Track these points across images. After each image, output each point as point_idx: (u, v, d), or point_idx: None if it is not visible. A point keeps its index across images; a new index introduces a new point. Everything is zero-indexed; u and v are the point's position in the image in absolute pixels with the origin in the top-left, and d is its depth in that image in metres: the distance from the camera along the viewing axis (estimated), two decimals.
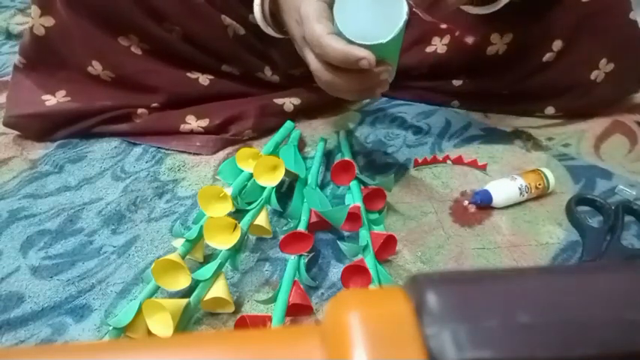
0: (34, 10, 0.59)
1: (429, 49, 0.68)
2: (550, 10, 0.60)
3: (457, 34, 0.66)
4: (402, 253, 0.49)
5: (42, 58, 0.63)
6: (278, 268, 0.47)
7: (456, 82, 0.69)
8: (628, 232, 0.51)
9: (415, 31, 0.69)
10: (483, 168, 0.59)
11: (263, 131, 0.65)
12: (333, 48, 0.39)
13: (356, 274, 0.44)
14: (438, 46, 0.68)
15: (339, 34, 0.39)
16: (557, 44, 0.62)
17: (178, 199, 0.55)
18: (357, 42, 0.38)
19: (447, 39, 0.67)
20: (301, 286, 0.42)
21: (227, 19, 0.61)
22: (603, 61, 0.63)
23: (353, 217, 0.48)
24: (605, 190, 0.57)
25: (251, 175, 0.51)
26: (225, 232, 0.45)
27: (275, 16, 0.52)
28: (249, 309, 0.43)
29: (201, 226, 0.45)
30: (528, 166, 0.59)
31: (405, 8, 0.38)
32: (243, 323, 0.40)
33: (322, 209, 0.49)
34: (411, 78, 0.70)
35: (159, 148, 0.63)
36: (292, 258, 0.45)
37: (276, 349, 0.14)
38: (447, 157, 0.60)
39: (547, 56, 0.63)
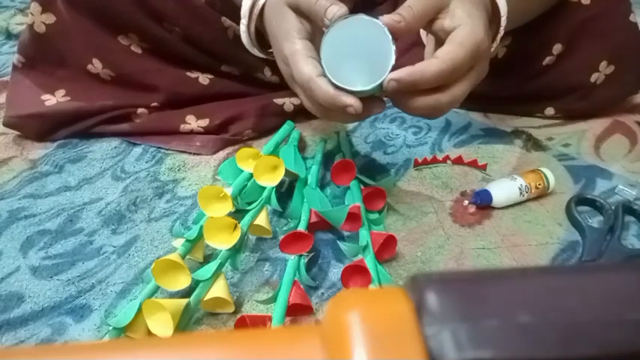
0: (35, 7, 0.59)
1: None
2: (550, 14, 0.59)
3: None
4: (402, 253, 0.48)
5: (41, 56, 0.63)
6: (278, 268, 0.47)
7: None
8: (628, 232, 0.51)
9: (416, 33, 0.68)
10: (483, 168, 0.59)
11: (263, 131, 0.65)
12: (322, 92, 0.39)
13: (356, 274, 0.44)
14: None
15: (326, 75, 0.39)
16: (557, 48, 0.62)
17: (178, 199, 0.55)
18: (344, 87, 0.38)
19: None
20: (301, 286, 0.42)
21: (227, 21, 0.61)
22: (603, 63, 0.62)
23: (353, 217, 0.48)
24: (605, 190, 0.57)
25: (251, 175, 0.51)
26: (225, 232, 0.45)
27: (263, 35, 0.52)
28: (249, 309, 0.43)
29: (201, 226, 0.45)
30: (528, 166, 0.59)
31: (393, 55, 0.37)
32: (243, 323, 0.40)
33: (322, 209, 0.49)
34: None
35: (159, 148, 0.63)
36: (292, 258, 0.45)
37: (276, 349, 0.14)
38: (447, 157, 0.60)
39: (547, 60, 0.63)
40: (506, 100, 0.69)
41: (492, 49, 0.48)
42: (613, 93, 0.66)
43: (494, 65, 0.64)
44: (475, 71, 0.41)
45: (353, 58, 0.38)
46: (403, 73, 0.38)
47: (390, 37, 0.37)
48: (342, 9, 0.39)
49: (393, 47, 0.37)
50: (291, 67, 0.41)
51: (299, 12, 0.42)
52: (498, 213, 0.53)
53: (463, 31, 0.39)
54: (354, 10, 0.67)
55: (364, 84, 0.38)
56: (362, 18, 0.38)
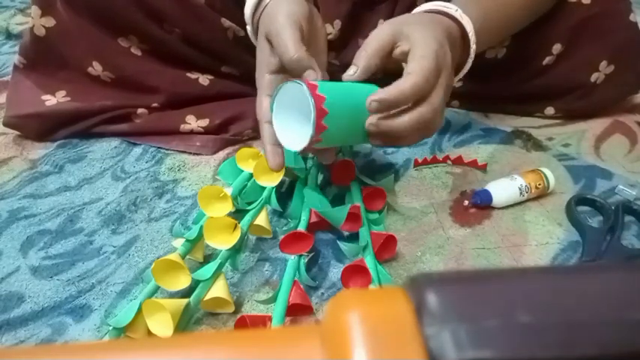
0: (35, 10, 0.59)
1: None
2: (550, 14, 0.59)
3: None
4: (402, 253, 0.48)
5: (42, 58, 0.63)
6: (278, 268, 0.47)
7: (456, 84, 0.69)
8: (628, 232, 0.51)
9: None
10: (483, 168, 0.59)
11: None
12: (263, 136, 0.44)
13: (356, 274, 0.44)
14: None
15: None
16: (556, 47, 0.62)
17: (178, 199, 0.55)
18: (283, 145, 0.42)
19: None
20: (301, 286, 0.42)
21: (227, 22, 0.61)
22: (603, 63, 0.62)
23: (353, 217, 0.48)
24: (605, 190, 0.57)
25: (251, 175, 0.51)
26: (225, 232, 0.45)
27: None
28: (249, 309, 0.43)
29: (201, 226, 0.45)
30: (528, 166, 0.59)
31: (312, 119, 0.38)
32: (243, 323, 0.40)
33: (322, 209, 0.49)
34: None
35: (159, 148, 0.63)
36: (292, 258, 0.45)
37: (276, 349, 0.14)
38: (447, 157, 0.60)
39: (547, 59, 0.63)
40: (507, 100, 0.69)
41: (467, 67, 0.50)
42: (613, 93, 0.66)
43: (495, 65, 0.65)
44: (443, 78, 0.42)
45: (295, 118, 0.41)
46: (382, 93, 0.39)
47: (311, 103, 0.38)
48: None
49: (313, 115, 0.38)
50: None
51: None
52: (498, 213, 0.53)
53: (419, 46, 0.41)
54: (352, 10, 0.67)
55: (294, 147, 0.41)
56: (293, 84, 0.40)
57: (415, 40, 0.41)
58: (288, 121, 0.42)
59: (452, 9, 0.46)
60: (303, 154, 0.45)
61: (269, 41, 0.43)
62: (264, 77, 0.44)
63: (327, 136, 0.39)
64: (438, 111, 0.42)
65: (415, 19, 0.45)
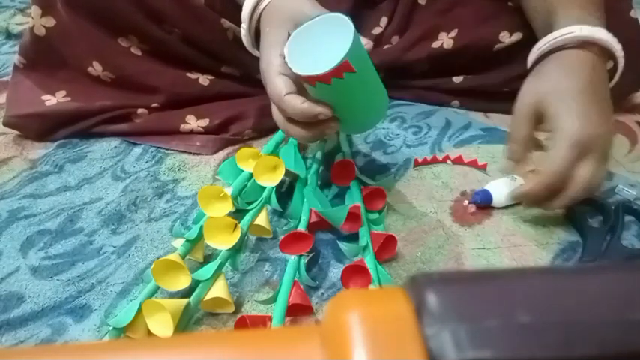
0: (35, 10, 0.59)
1: (435, 45, 0.68)
2: None
3: (458, 31, 0.66)
4: (402, 253, 0.48)
5: (42, 58, 0.63)
6: (278, 268, 0.47)
7: (457, 79, 0.69)
8: (628, 232, 0.51)
9: (420, 28, 0.68)
10: (483, 168, 0.59)
11: (263, 131, 0.65)
12: (292, 106, 0.40)
13: (356, 274, 0.44)
14: (445, 40, 0.67)
15: (289, 70, 0.39)
16: None
17: (178, 199, 0.55)
18: (301, 73, 0.38)
19: (454, 33, 0.66)
20: (301, 286, 0.42)
21: (227, 22, 0.61)
22: None
23: (353, 217, 0.48)
24: (605, 190, 0.57)
25: (251, 175, 0.51)
26: (225, 232, 0.45)
27: None
28: (249, 309, 0.43)
29: (201, 226, 0.45)
30: (528, 166, 0.59)
31: (347, 48, 0.36)
32: (243, 323, 0.40)
33: (322, 209, 0.49)
34: (411, 76, 0.70)
35: (159, 148, 0.63)
36: (292, 258, 0.45)
37: (276, 349, 0.14)
38: (447, 157, 0.60)
39: None
40: (506, 97, 0.68)
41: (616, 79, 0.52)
42: (613, 90, 0.66)
43: (498, 59, 0.64)
44: (593, 153, 0.45)
45: (316, 51, 0.38)
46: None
47: (352, 37, 0.36)
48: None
49: (352, 37, 0.36)
50: (265, 81, 0.43)
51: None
52: (498, 213, 0.53)
53: (559, 133, 0.45)
54: (353, 8, 0.67)
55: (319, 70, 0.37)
56: (330, 15, 0.38)
57: (558, 122, 0.45)
58: (305, 57, 0.39)
59: (596, 35, 0.48)
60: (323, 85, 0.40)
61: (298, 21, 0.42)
62: (275, 58, 0.42)
63: (354, 74, 0.37)
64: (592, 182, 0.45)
65: (555, 81, 0.46)
